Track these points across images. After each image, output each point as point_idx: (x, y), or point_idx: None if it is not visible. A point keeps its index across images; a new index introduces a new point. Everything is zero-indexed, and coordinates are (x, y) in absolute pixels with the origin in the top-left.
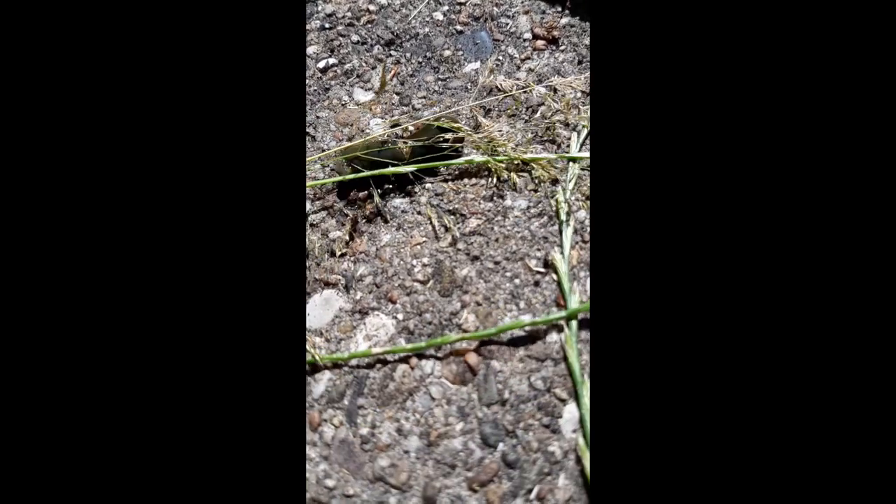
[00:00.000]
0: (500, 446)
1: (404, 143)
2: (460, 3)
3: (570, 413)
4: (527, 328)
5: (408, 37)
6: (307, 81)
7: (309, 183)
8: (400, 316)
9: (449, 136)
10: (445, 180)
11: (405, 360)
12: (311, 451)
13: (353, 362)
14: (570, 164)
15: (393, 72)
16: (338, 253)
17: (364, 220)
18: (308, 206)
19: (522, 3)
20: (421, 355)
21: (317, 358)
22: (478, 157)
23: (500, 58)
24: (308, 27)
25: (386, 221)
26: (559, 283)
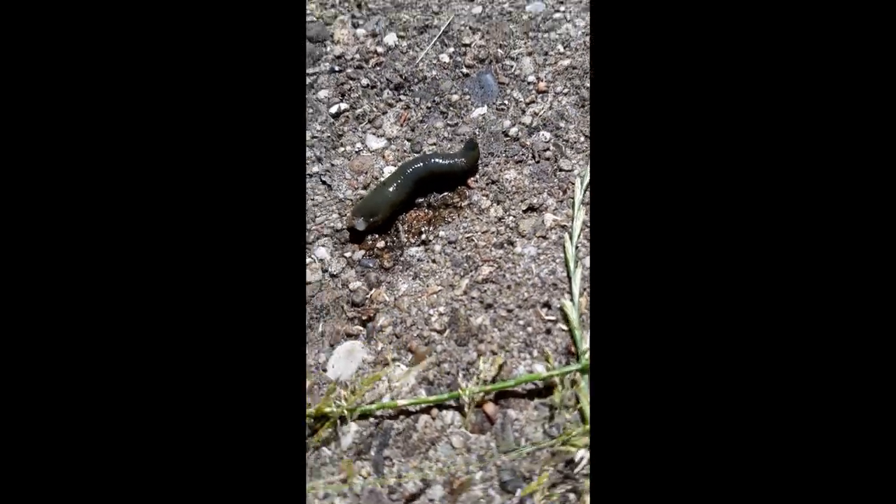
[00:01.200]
0: (518, 492)
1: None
2: (465, 45)
3: (583, 458)
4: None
5: (416, 80)
6: (320, 127)
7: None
8: (419, 367)
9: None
10: (457, 228)
11: (427, 410)
12: (341, 503)
13: (378, 413)
14: (577, 210)
15: (403, 117)
16: (358, 304)
17: (382, 270)
18: (327, 255)
19: (525, 44)
20: (441, 406)
21: (345, 412)
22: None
23: (506, 102)
24: (317, 70)
25: (403, 271)
26: (570, 331)
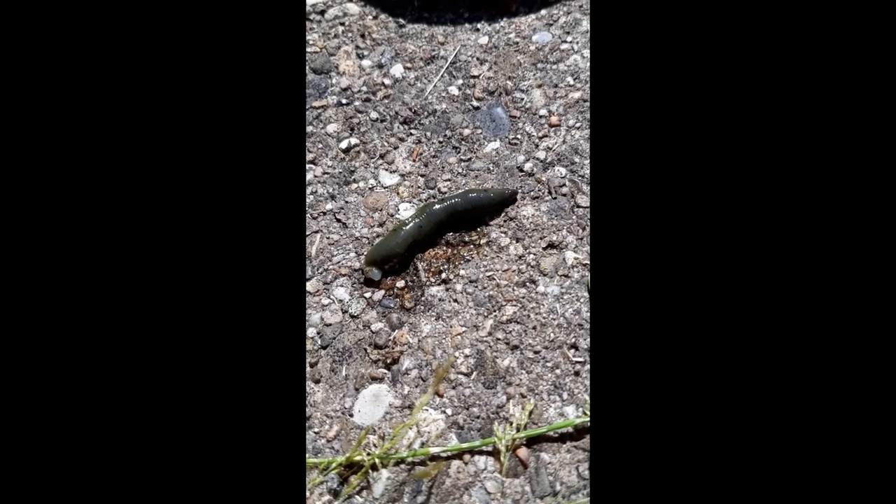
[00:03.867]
0: None
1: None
2: (474, 76)
3: None
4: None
5: (426, 113)
6: (331, 163)
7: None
8: (449, 411)
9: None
10: (477, 267)
11: (458, 455)
12: None
13: (409, 459)
14: None
15: (415, 152)
16: (381, 346)
17: (403, 311)
18: (346, 295)
19: (535, 75)
20: (473, 451)
21: (376, 460)
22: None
23: (519, 136)
24: (325, 103)
25: (425, 311)
26: None
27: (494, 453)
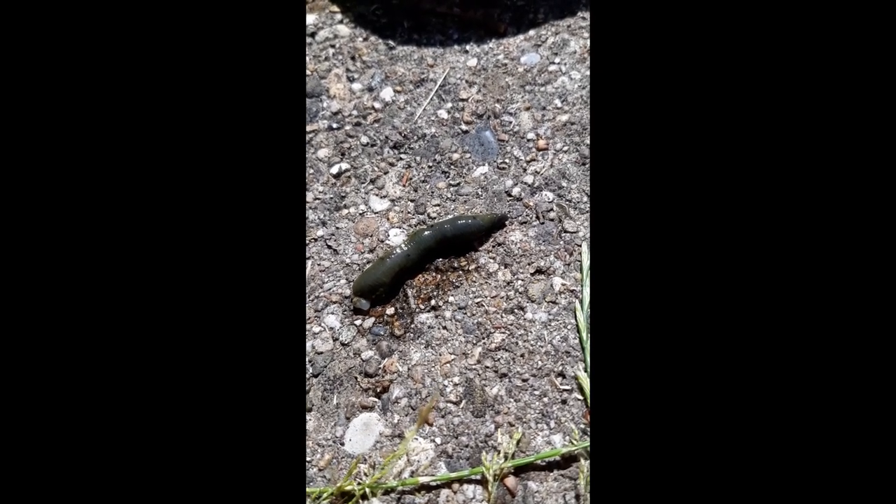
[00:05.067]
0: None
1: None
2: (463, 100)
3: None
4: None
5: (415, 137)
6: (322, 188)
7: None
8: (438, 440)
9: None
10: (466, 293)
11: (447, 484)
12: None
13: (399, 488)
14: (585, 276)
15: (405, 177)
16: (371, 374)
17: (393, 339)
18: (337, 323)
19: (523, 97)
20: (462, 480)
21: (367, 490)
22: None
23: (507, 160)
24: (315, 127)
25: (415, 339)
26: (585, 402)
27: (483, 482)
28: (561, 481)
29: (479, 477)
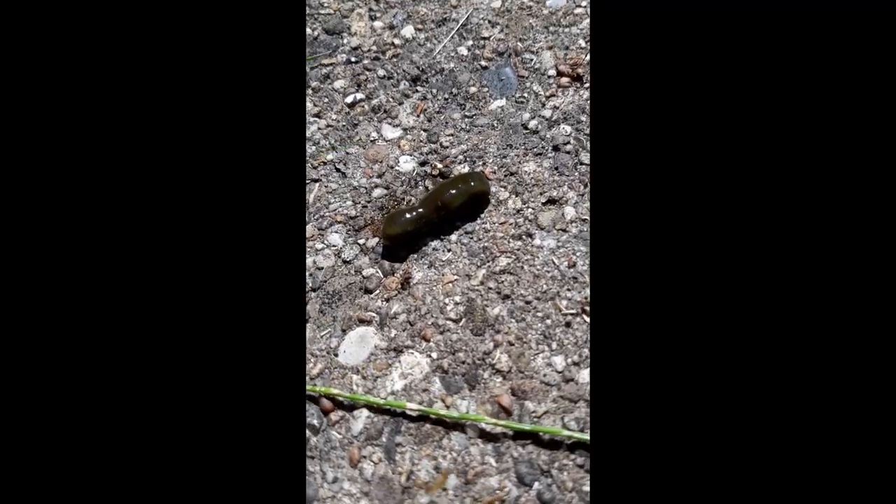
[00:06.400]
0: (536, 485)
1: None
2: (484, 38)
3: None
4: (559, 369)
5: (433, 72)
6: (335, 116)
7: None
8: (434, 354)
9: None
10: (474, 219)
11: (441, 398)
12: (352, 487)
13: (391, 399)
14: None
15: (420, 108)
16: (371, 290)
17: (397, 262)
18: (340, 241)
19: (546, 38)
20: (454, 392)
21: (357, 398)
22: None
23: (526, 95)
24: (334, 61)
25: (418, 260)
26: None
27: (477, 397)
28: (560, 403)
29: (473, 393)
